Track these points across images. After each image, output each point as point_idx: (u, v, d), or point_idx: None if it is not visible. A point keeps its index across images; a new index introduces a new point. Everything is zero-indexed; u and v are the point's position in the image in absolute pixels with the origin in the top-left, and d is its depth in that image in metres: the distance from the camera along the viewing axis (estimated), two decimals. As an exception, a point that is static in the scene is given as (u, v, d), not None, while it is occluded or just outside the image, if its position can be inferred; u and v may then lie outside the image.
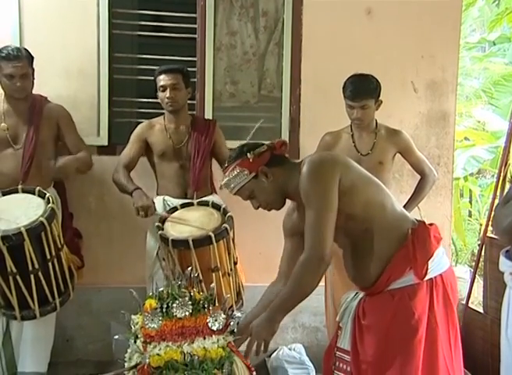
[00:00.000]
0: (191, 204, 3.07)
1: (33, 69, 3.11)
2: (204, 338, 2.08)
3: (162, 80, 3.17)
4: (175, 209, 3.04)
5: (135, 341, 2.12)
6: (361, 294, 2.21)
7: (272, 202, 2.19)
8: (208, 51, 3.70)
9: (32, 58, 3.09)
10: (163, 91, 3.17)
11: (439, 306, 2.09)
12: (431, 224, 2.17)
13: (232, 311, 2.34)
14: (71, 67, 3.56)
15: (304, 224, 2.09)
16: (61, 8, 3.52)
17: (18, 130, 3.08)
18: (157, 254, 3.09)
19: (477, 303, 4.20)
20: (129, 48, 3.93)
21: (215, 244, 2.74)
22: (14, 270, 2.64)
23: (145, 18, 3.76)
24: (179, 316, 2.09)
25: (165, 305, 2.10)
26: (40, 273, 2.69)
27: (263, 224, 3.66)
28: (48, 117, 3.13)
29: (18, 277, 2.65)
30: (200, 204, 3.07)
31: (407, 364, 2.05)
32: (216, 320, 2.12)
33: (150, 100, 3.73)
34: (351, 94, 3.08)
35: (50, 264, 2.74)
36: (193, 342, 2.06)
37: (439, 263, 2.12)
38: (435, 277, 2.09)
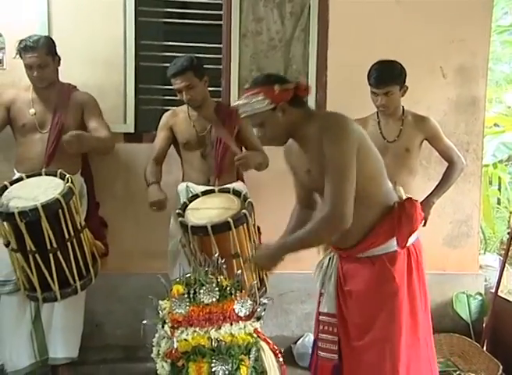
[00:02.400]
0: (212, 191, 3.07)
1: (57, 57, 3.15)
2: (231, 324, 2.10)
3: (174, 83, 3.13)
4: (196, 197, 3.04)
5: (163, 326, 2.15)
6: (335, 259, 2.34)
7: (276, 138, 2.23)
8: (233, 37, 3.69)
9: (52, 46, 3.12)
10: (179, 92, 3.15)
11: (414, 271, 2.24)
12: (416, 200, 2.28)
13: (259, 297, 2.35)
14: (98, 55, 3.58)
15: (305, 167, 2.20)
16: (88, -3, 3.54)
17: (45, 116, 3.15)
18: (180, 240, 3.11)
19: (506, 292, 4.15)
20: (155, 36, 3.93)
21: (233, 229, 2.72)
22: (33, 249, 2.70)
23: (171, 5, 3.76)
24: (206, 301, 2.11)
25: (192, 291, 2.11)
26: (59, 253, 2.74)
27: (286, 212, 3.66)
28: (74, 104, 3.19)
29: (37, 256, 2.71)
30: (222, 191, 3.07)
31: (391, 322, 2.19)
32: (243, 306, 2.13)
33: (176, 87, 3.74)
34: (374, 80, 3.04)
35: (69, 244, 2.78)
36: (220, 328, 2.08)
37: (414, 235, 2.27)
38: (409, 246, 2.24)
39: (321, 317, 2.38)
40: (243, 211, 2.80)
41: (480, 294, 3.87)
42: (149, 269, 3.30)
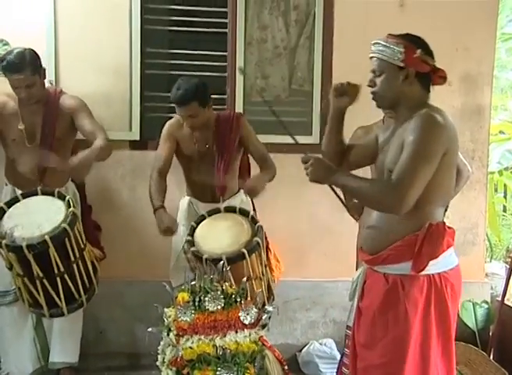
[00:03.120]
0: (218, 210, 3.02)
1: (43, 70, 2.99)
2: (236, 332, 2.10)
3: (178, 110, 3.03)
4: (202, 218, 2.99)
5: (168, 334, 2.14)
6: (363, 273, 2.21)
7: (381, 96, 2.11)
8: (238, 45, 3.70)
9: (37, 62, 2.95)
10: (182, 117, 3.05)
11: (434, 304, 2.04)
12: (449, 227, 2.12)
13: (264, 305, 2.34)
14: (104, 63, 3.59)
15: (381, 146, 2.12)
16: (94, 5, 3.56)
17: (34, 129, 3.03)
18: (183, 247, 3.10)
19: (513, 300, 4.12)
20: (161, 44, 3.95)
21: (248, 259, 2.71)
22: (41, 275, 2.67)
23: (176, 13, 3.77)
24: (211, 309, 2.11)
25: (197, 299, 2.11)
26: (65, 275, 2.72)
27: (293, 219, 3.66)
28: (63, 110, 3.06)
29: (45, 281, 2.69)
30: (227, 210, 3.02)
31: (393, 352, 2.02)
32: (248, 314, 2.13)
33: (181, 95, 3.75)
34: None
35: (75, 265, 2.76)
36: (225, 336, 2.08)
37: (443, 262, 2.07)
38: (434, 275, 2.04)
39: (346, 331, 2.31)
40: (256, 239, 2.77)
41: (486, 302, 3.85)
42: (154, 277, 3.30)
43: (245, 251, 2.69)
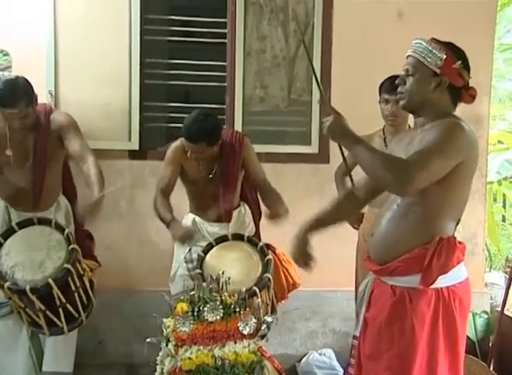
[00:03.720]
0: (225, 238, 2.98)
1: (35, 97, 2.85)
2: (235, 342, 2.09)
3: (187, 146, 2.95)
4: (210, 247, 2.95)
5: (167, 345, 2.14)
6: (370, 283, 2.17)
7: (410, 99, 2.05)
8: (237, 55, 3.72)
9: (30, 91, 2.81)
10: (190, 152, 2.97)
11: (442, 318, 2.00)
12: (460, 242, 2.08)
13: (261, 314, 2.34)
14: (103, 73, 3.60)
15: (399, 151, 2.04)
16: (93, 16, 3.58)
17: (25, 152, 2.94)
18: (185, 257, 3.10)
19: (512, 310, 4.11)
20: (160, 54, 3.97)
21: (258, 294, 2.66)
22: (43, 308, 2.64)
23: (176, 23, 3.79)
24: (210, 319, 2.10)
25: (196, 309, 2.11)
26: (68, 305, 2.70)
27: (292, 228, 3.66)
28: (53, 127, 2.95)
29: (47, 312, 2.67)
30: (235, 237, 2.98)
31: (398, 366, 1.98)
32: (247, 324, 2.12)
33: (180, 105, 3.77)
34: (389, 85, 2.98)
35: (76, 294, 2.74)
36: (224, 346, 2.07)
37: (452, 276, 2.03)
38: (442, 289, 2.00)
39: (353, 341, 2.30)
40: (267, 275, 2.75)
41: (486, 312, 3.84)
42: (153, 287, 3.30)
43: (257, 290, 2.64)
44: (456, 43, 3.95)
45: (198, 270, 2.79)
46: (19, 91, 2.75)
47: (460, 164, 1.93)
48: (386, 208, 2.11)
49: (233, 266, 2.77)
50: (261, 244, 2.91)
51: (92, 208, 2.73)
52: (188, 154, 2.97)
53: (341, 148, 2.08)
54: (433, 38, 2.04)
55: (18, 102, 2.73)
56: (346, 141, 1.98)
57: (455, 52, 2.02)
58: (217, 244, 2.94)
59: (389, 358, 2.00)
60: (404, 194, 1.95)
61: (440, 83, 1.99)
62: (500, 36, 6.60)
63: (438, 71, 1.99)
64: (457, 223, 2.11)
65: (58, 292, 2.61)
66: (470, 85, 2.06)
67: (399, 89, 2.09)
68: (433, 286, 1.99)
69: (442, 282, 1.99)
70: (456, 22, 3.75)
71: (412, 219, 2.01)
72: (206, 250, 2.91)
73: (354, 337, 2.29)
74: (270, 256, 2.83)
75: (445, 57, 1.98)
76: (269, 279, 2.73)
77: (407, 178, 1.84)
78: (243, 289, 2.53)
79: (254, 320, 2.10)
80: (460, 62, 2.01)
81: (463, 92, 2.05)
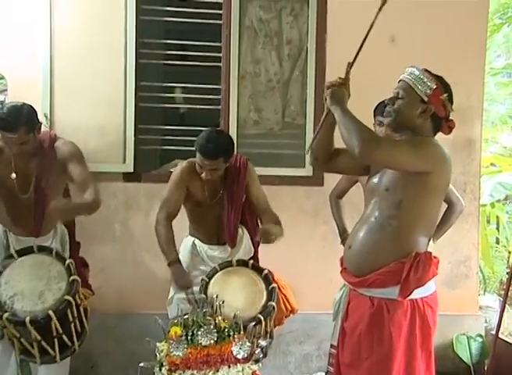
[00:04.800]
0: (229, 263, 2.96)
1: (39, 125, 2.84)
2: (229, 367, 2.08)
3: (200, 160, 2.91)
4: (214, 272, 2.92)
5: (160, 369, 2.12)
6: (346, 293, 2.30)
7: (396, 118, 2.21)
8: (232, 79, 3.75)
9: (33, 119, 2.79)
10: (200, 167, 2.95)
11: (419, 328, 2.15)
12: (435, 257, 2.24)
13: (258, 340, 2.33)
14: (99, 96, 3.62)
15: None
16: (89, 40, 3.61)
17: (28, 179, 2.90)
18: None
19: (507, 334, 4.10)
20: (155, 77, 4.00)
21: (263, 322, 2.66)
22: (38, 338, 2.60)
23: (171, 47, 3.83)
24: (204, 343, 2.09)
25: (190, 333, 2.09)
26: (64, 336, 2.67)
27: (286, 251, 3.66)
28: (56, 159, 2.91)
29: (43, 342, 2.63)
30: (239, 264, 2.97)
31: (378, 373, 2.11)
32: (241, 348, 2.11)
33: (175, 127, 3.79)
34: (383, 108, 3.00)
35: (72, 325, 2.71)
36: (218, 371, 2.06)
37: (424, 288, 2.18)
38: (417, 300, 2.15)
39: (331, 349, 2.40)
40: (271, 303, 2.74)
41: (480, 335, 3.83)
42: (147, 310, 3.28)
43: (261, 318, 2.64)
44: (448, 68, 4.01)
45: (202, 295, 2.76)
46: (22, 117, 2.73)
47: (430, 177, 2.10)
48: (364, 221, 2.25)
49: (238, 294, 2.77)
50: (265, 271, 2.90)
51: (58, 207, 2.68)
52: (203, 174, 2.94)
53: (323, 120, 2.28)
54: (425, 69, 2.22)
55: (18, 128, 2.71)
56: (338, 107, 2.16)
57: (443, 85, 2.20)
58: (221, 269, 2.91)
59: (369, 365, 2.14)
60: (364, 159, 2.10)
61: (426, 110, 2.17)
62: (491, 60, 6.71)
63: (426, 99, 2.16)
64: (429, 239, 2.26)
65: (57, 323, 2.58)
66: (450, 118, 2.25)
67: (387, 108, 2.26)
68: (409, 297, 2.14)
69: (416, 293, 2.15)
70: (448, 48, 3.81)
71: (389, 232, 2.15)
72: (210, 275, 2.89)
73: (332, 346, 2.39)
74: (275, 284, 2.82)
75: (434, 87, 2.16)
76: (274, 307, 2.72)
77: (373, 146, 2.03)
78: (237, 312, 2.52)
79: (248, 344, 2.09)
80: (446, 94, 2.18)
81: (443, 123, 2.23)
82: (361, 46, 2.29)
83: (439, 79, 2.19)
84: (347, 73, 2.27)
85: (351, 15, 3.79)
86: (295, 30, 3.83)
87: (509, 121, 6.76)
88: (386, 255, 2.14)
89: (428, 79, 2.17)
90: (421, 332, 2.15)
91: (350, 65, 2.27)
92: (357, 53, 2.28)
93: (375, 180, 2.26)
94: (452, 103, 2.23)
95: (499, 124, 6.80)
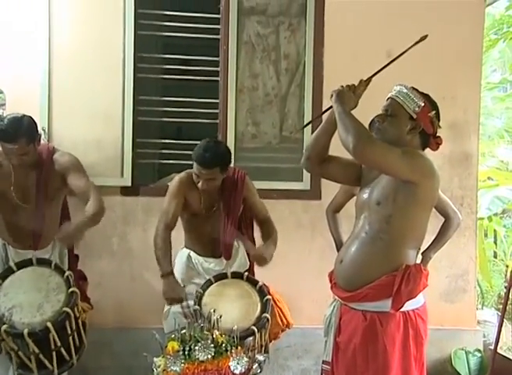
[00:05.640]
0: (224, 275, 2.98)
1: (38, 137, 2.87)
2: (227, 382, 2.06)
3: (197, 170, 2.91)
4: (209, 283, 2.94)
5: (157, 385, 2.10)
6: (337, 308, 2.33)
7: (385, 136, 2.23)
8: (230, 93, 3.77)
9: (33, 131, 2.82)
10: (197, 176, 2.94)
11: (412, 338, 2.18)
12: (425, 269, 2.29)
13: (254, 354, 2.32)
14: (97, 110, 3.63)
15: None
16: (87, 54, 3.62)
17: (27, 191, 2.91)
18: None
19: (506, 349, 4.09)
20: (154, 91, 4.01)
21: (257, 334, 2.68)
22: (36, 351, 2.60)
23: (169, 62, 3.85)
24: (201, 358, 2.08)
25: (187, 348, 2.08)
26: (62, 349, 2.66)
27: (284, 265, 3.65)
28: (57, 168, 2.92)
29: (41, 355, 2.62)
30: (234, 276, 2.98)
31: None
32: (238, 363, 2.09)
33: (173, 141, 3.80)
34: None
35: (71, 338, 2.70)
36: (215, 386, 2.04)
37: (415, 300, 2.22)
38: (408, 312, 2.19)
39: (323, 366, 2.40)
40: (265, 315, 2.76)
41: (479, 350, 3.81)
42: (144, 324, 3.26)
43: (255, 329, 2.66)
44: (445, 83, 4.07)
45: (196, 306, 2.77)
46: (22, 128, 2.75)
47: (418, 189, 2.13)
48: (355, 236, 2.29)
49: (232, 305, 2.79)
50: (260, 283, 2.90)
51: (71, 233, 2.70)
52: (199, 184, 2.94)
53: (324, 112, 2.34)
54: (413, 87, 2.28)
55: (19, 138, 2.73)
56: (341, 107, 2.20)
57: (431, 103, 2.26)
58: (216, 281, 2.93)
59: None
60: (357, 155, 2.12)
61: (415, 127, 2.23)
62: (487, 75, 6.76)
63: (414, 116, 2.22)
64: (418, 252, 2.31)
65: (55, 336, 2.58)
66: (438, 134, 2.29)
67: (377, 125, 2.30)
68: (401, 309, 2.18)
69: (408, 305, 2.19)
70: (445, 62, 3.84)
71: (380, 246, 2.19)
72: (205, 287, 2.89)
73: (324, 361, 2.38)
74: (269, 296, 2.83)
75: (422, 105, 2.24)
76: (268, 319, 2.73)
77: (368, 144, 2.08)
78: (235, 327, 2.51)
79: (245, 359, 2.08)
80: (434, 112, 2.24)
81: (431, 139, 2.27)
82: (380, 70, 2.36)
83: (426, 97, 2.26)
84: (360, 85, 2.31)
85: (348, 29, 3.83)
86: (292, 45, 3.86)
87: (505, 135, 6.80)
88: (378, 269, 2.19)
89: (416, 97, 2.23)
90: (414, 343, 2.19)
91: (366, 81, 2.33)
92: (375, 74, 2.35)
93: (365, 195, 2.30)
94: (439, 120, 2.28)
95: (495, 138, 6.84)
